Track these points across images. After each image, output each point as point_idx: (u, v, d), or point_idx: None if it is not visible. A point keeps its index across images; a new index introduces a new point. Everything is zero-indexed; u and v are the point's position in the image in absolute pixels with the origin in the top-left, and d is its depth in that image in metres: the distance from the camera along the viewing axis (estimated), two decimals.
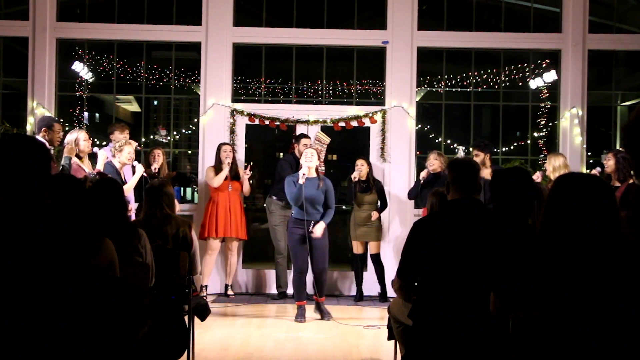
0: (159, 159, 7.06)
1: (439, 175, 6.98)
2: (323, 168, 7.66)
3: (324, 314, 6.40)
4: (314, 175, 6.26)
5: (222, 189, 7.33)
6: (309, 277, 6.43)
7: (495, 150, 8.02)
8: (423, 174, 7.15)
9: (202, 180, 7.78)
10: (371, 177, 7.43)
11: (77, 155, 5.95)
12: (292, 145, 7.90)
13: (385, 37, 7.96)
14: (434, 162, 7.11)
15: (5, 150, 1.98)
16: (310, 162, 6.22)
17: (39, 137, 5.61)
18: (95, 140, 6.62)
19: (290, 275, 7.39)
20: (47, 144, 5.50)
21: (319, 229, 6.21)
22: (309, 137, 7.60)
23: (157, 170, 6.97)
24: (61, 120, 7.91)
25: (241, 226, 7.41)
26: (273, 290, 7.67)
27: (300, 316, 6.32)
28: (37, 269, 1.79)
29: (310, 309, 6.47)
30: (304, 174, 6.14)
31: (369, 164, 7.48)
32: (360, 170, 7.37)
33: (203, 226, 7.31)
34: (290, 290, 7.38)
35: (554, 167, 6.52)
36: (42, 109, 7.76)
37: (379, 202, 7.46)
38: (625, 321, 1.41)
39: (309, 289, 6.57)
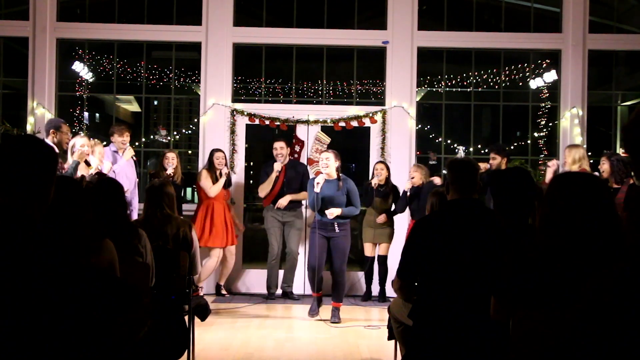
0: (173, 162, 6.90)
1: (421, 188, 6.95)
2: None
3: (332, 317, 6.30)
4: (334, 177, 6.25)
5: (205, 197, 7.18)
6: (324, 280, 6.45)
7: None
8: (407, 185, 7.09)
9: None
10: (390, 182, 7.32)
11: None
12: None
13: (386, 37, 7.96)
14: (415, 175, 7.06)
15: (5, 151, 1.98)
16: (326, 168, 6.21)
17: (48, 140, 5.58)
18: (95, 140, 6.60)
19: (281, 276, 7.48)
20: (55, 147, 5.44)
21: (333, 211, 6.11)
22: (282, 141, 7.36)
23: (172, 175, 6.79)
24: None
25: (224, 234, 7.13)
26: (272, 289, 7.65)
27: (314, 310, 6.36)
28: (37, 269, 1.79)
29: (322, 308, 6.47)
30: (318, 183, 6.13)
31: (388, 168, 7.36)
32: (379, 175, 7.23)
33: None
34: (279, 293, 7.46)
35: (573, 159, 6.27)
36: (42, 109, 7.76)
37: (393, 205, 7.38)
38: (625, 321, 1.41)
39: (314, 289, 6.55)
